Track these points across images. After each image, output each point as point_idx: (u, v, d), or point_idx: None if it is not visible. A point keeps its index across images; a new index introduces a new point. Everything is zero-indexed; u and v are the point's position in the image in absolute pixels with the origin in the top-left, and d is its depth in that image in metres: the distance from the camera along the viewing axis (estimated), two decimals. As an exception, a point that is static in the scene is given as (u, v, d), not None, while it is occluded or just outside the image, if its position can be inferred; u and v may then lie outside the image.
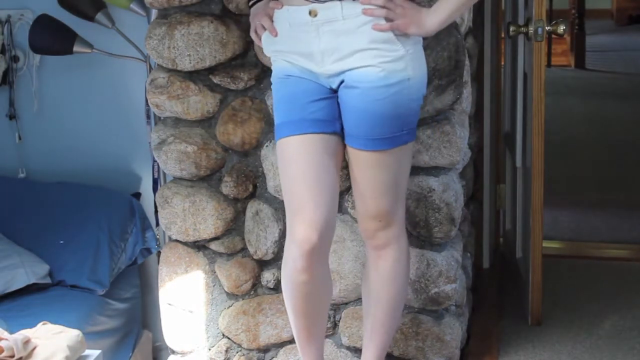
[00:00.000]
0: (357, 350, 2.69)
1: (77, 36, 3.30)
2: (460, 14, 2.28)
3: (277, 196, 2.67)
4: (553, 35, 3.18)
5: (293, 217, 2.20)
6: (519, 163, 3.34)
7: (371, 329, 2.41)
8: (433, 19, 2.14)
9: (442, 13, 2.14)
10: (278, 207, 2.69)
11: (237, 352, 2.80)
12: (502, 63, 3.81)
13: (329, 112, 2.19)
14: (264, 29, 2.25)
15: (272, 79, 2.30)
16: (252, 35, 2.33)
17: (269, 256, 2.71)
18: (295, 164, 2.19)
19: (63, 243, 3.29)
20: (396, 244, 2.32)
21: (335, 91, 2.20)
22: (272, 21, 2.22)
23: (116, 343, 3.21)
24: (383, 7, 2.10)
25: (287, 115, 2.22)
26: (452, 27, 2.45)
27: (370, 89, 2.13)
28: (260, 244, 2.70)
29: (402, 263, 2.35)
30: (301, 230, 2.17)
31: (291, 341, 2.76)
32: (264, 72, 2.64)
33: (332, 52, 2.14)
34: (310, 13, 2.13)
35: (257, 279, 2.75)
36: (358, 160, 2.22)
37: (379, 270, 2.34)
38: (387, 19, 2.11)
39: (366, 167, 2.21)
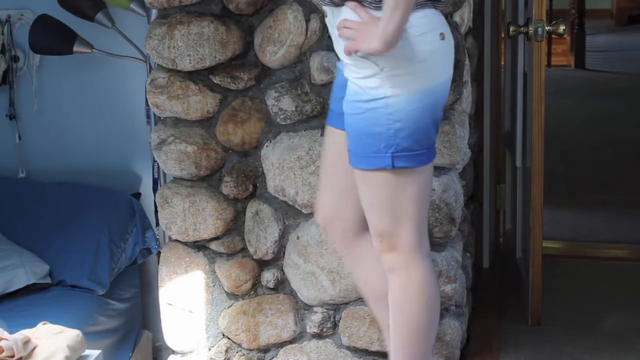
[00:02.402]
0: (357, 350, 2.69)
1: (77, 36, 3.30)
2: (399, 23, 1.93)
3: (277, 196, 2.67)
4: (553, 35, 3.17)
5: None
6: (519, 163, 3.34)
7: (392, 351, 2.31)
8: (377, 34, 1.94)
9: (380, 28, 1.94)
10: (278, 207, 2.69)
11: (237, 352, 2.80)
12: (502, 63, 3.81)
13: None
14: None
15: None
16: None
17: (269, 256, 2.71)
18: (323, 151, 2.36)
19: (63, 243, 3.29)
20: (404, 271, 2.15)
21: None
22: None
23: (116, 343, 3.21)
24: (345, 27, 2.01)
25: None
26: (452, 27, 2.45)
27: (349, 102, 2.08)
28: (260, 244, 2.70)
29: (409, 293, 2.16)
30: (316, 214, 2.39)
31: (291, 341, 2.76)
32: (264, 72, 2.64)
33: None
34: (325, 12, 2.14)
35: (257, 279, 2.75)
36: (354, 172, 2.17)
37: (389, 294, 2.22)
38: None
39: (357, 181, 2.15)
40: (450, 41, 2.07)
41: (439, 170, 2.56)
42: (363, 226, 2.25)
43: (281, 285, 2.74)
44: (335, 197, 2.28)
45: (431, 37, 2.02)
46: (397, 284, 2.18)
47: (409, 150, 2.03)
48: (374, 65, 1.99)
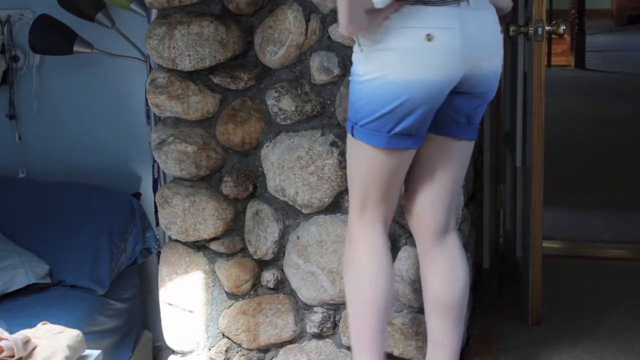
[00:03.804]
0: (357, 350, 2.69)
1: (77, 36, 3.30)
2: (343, 10, 2.02)
3: (277, 196, 2.67)
4: (553, 35, 3.17)
5: None
6: (519, 163, 3.34)
7: None
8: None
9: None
10: (278, 207, 2.69)
11: (237, 352, 2.80)
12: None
13: None
14: None
15: None
16: None
17: (269, 256, 2.72)
18: None
19: (63, 243, 3.29)
20: (346, 237, 2.35)
21: None
22: None
23: (116, 343, 3.21)
24: None
25: None
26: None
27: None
28: (260, 244, 2.70)
29: (344, 261, 2.36)
30: None
31: (291, 341, 2.76)
32: (264, 72, 2.64)
33: None
34: None
35: (257, 279, 2.75)
36: None
37: None
38: None
39: None
40: (440, 44, 2.06)
41: (439, 170, 2.56)
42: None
43: (281, 285, 2.74)
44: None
45: (413, 33, 2.06)
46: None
47: (367, 128, 2.15)
48: (357, 45, 2.13)
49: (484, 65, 2.15)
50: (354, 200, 2.30)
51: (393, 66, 2.07)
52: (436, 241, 2.33)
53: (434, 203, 2.31)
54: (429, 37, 2.04)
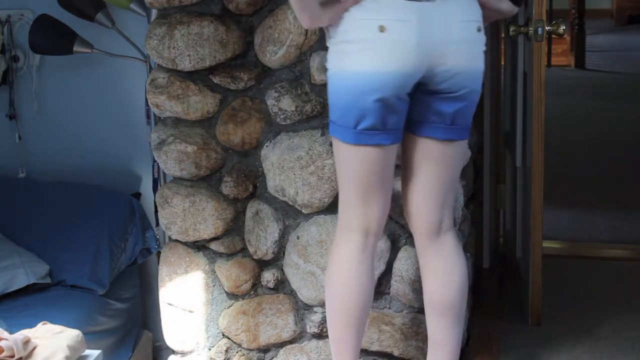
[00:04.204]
0: (357, 350, 2.69)
1: (77, 36, 3.30)
2: (294, 4, 2.10)
3: (277, 196, 2.67)
4: (553, 35, 3.17)
5: None
6: (519, 163, 3.34)
7: None
8: None
9: None
10: (278, 207, 2.69)
11: (237, 352, 2.80)
12: (502, 63, 3.81)
13: None
14: None
15: None
16: None
17: (269, 256, 2.72)
18: None
19: (63, 243, 3.29)
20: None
21: None
22: None
23: (116, 343, 3.21)
24: None
25: None
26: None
27: None
28: (260, 244, 2.70)
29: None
30: None
31: (291, 341, 2.76)
32: (264, 72, 2.64)
33: None
34: None
35: (257, 279, 2.75)
36: None
37: None
38: None
39: None
40: (393, 36, 2.07)
41: (439, 170, 2.56)
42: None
43: (281, 285, 2.75)
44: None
45: (367, 25, 2.08)
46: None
47: (338, 124, 2.17)
48: (328, 36, 2.16)
49: (449, 63, 2.12)
50: (339, 207, 2.30)
51: (352, 59, 2.10)
52: (430, 241, 2.32)
53: (424, 203, 2.30)
54: (381, 29, 2.06)
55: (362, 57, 2.09)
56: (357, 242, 2.26)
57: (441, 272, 2.33)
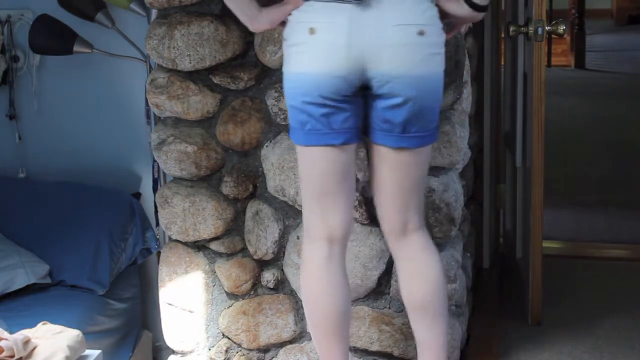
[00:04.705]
0: (357, 350, 2.69)
1: (77, 36, 3.30)
2: (232, 7, 2.18)
3: (277, 196, 2.67)
4: (553, 35, 3.17)
5: None
6: (519, 163, 3.34)
7: None
8: None
9: None
10: (278, 207, 2.69)
11: (237, 352, 2.80)
12: (502, 63, 3.81)
13: None
14: None
15: None
16: None
17: (269, 256, 2.71)
18: None
19: (63, 243, 3.29)
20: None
21: None
22: None
23: (116, 343, 3.21)
24: None
25: None
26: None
27: None
28: (260, 244, 2.70)
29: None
30: None
31: (291, 341, 2.76)
32: (264, 72, 2.64)
33: None
34: None
35: (257, 279, 2.75)
36: None
37: None
38: None
39: None
40: (323, 37, 2.08)
41: (439, 170, 2.56)
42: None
43: (281, 285, 2.74)
44: None
45: (301, 27, 2.11)
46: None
47: (290, 125, 2.21)
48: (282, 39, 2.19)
49: (383, 67, 2.08)
50: (303, 216, 2.30)
51: (292, 61, 2.14)
52: (398, 242, 2.30)
53: (387, 207, 2.28)
54: (311, 31, 2.09)
55: (298, 60, 2.13)
56: (322, 253, 2.25)
57: (413, 272, 2.30)
